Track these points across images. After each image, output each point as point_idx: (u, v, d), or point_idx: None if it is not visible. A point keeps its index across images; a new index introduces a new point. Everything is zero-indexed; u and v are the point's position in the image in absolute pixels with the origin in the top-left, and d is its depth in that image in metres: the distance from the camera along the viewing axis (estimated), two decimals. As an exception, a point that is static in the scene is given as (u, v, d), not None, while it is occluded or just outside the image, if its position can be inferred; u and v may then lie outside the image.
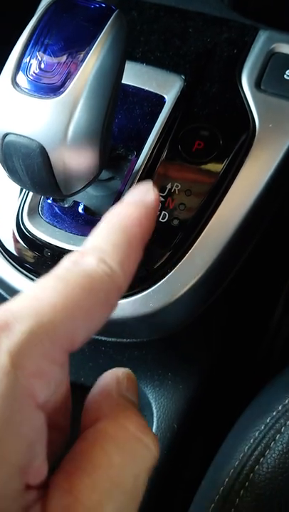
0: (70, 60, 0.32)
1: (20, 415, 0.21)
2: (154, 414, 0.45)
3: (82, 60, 0.32)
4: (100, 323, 0.25)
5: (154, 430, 0.45)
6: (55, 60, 0.32)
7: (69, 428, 0.28)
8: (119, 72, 0.34)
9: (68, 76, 0.32)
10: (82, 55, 0.32)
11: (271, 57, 0.44)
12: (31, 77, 0.32)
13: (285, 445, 0.36)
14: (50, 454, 0.23)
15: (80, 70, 0.32)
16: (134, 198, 0.30)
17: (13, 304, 0.23)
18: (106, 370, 0.47)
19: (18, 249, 0.42)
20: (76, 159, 0.32)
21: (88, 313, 0.24)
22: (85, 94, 0.32)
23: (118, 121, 0.42)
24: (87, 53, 0.32)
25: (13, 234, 0.42)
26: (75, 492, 0.22)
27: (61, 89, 0.32)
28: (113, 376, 0.28)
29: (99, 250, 0.26)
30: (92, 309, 0.24)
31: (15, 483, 0.21)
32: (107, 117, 0.33)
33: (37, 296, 0.23)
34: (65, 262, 0.26)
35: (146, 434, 0.25)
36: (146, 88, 0.43)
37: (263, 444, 0.37)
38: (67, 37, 0.32)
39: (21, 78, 0.32)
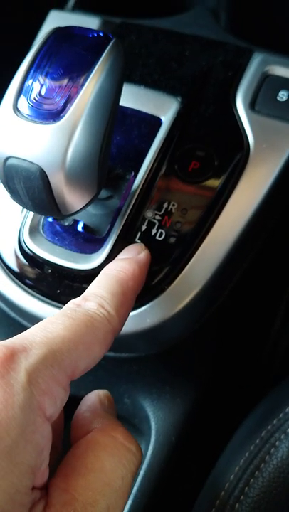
0: (70, 85, 0.33)
1: (34, 425, 0.25)
2: (152, 428, 0.46)
3: (82, 86, 0.33)
4: (97, 359, 0.30)
5: (152, 443, 0.45)
6: (54, 86, 0.33)
7: (61, 446, 0.32)
8: (117, 98, 0.35)
9: (67, 102, 0.33)
10: (81, 81, 0.33)
11: (265, 79, 0.45)
12: (32, 104, 0.33)
13: (279, 459, 0.36)
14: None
15: (79, 96, 0.33)
16: (129, 256, 0.37)
17: (27, 333, 0.28)
18: (106, 383, 0.49)
19: (19, 266, 0.43)
20: (74, 182, 0.34)
21: (89, 347, 0.29)
22: (83, 119, 0.33)
23: (116, 142, 0.43)
24: (86, 80, 0.33)
25: (15, 251, 0.43)
26: (71, 491, 0.27)
27: (60, 115, 0.33)
28: (96, 397, 0.33)
29: (99, 297, 0.32)
30: (92, 345, 0.29)
31: (27, 481, 0.25)
32: (105, 141, 0.35)
33: (47, 328, 0.28)
34: (70, 304, 0.31)
35: (132, 442, 0.30)
36: (144, 110, 0.44)
37: (258, 458, 0.37)
38: (66, 65, 0.34)
39: (22, 104, 0.33)
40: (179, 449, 0.45)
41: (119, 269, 0.35)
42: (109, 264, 0.36)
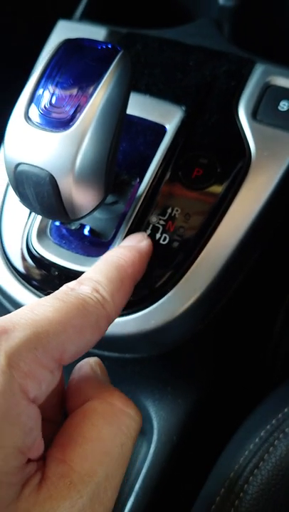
0: (79, 94, 0.34)
1: (18, 407, 0.24)
2: (155, 427, 0.47)
3: (91, 96, 0.34)
4: (90, 344, 0.29)
5: (153, 442, 0.46)
6: (64, 95, 0.35)
7: (60, 418, 0.31)
8: (124, 107, 0.37)
9: (77, 111, 0.34)
10: (90, 91, 0.34)
11: (267, 90, 0.46)
12: (42, 112, 0.34)
13: (277, 457, 0.38)
14: (45, 439, 0.27)
15: (88, 105, 0.34)
16: (130, 244, 0.36)
17: (13, 315, 0.27)
18: (110, 384, 0.49)
19: (26, 268, 0.44)
20: (83, 187, 0.35)
21: (79, 331, 0.28)
22: (92, 128, 0.34)
23: (122, 149, 0.45)
24: (95, 90, 0.34)
25: (23, 253, 0.44)
26: (68, 461, 0.26)
27: (70, 124, 0.34)
28: (87, 365, 0.32)
29: (94, 281, 0.31)
30: (83, 328, 0.28)
31: (14, 461, 0.24)
32: (112, 148, 0.36)
33: (34, 310, 0.27)
34: (64, 287, 0.31)
35: (131, 406, 0.29)
36: (149, 118, 0.45)
37: (257, 457, 0.38)
38: (76, 75, 0.35)
39: (33, 113, 0.35)
40: (181, 448, 0.46)
41: (118, 255, 0.34)
42: (109, 251, 0.35)
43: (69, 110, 0.34)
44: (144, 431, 0.49)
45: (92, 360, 0.33)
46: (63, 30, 0.54)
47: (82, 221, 0.43)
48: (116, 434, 0.28)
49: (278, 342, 0.61)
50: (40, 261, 0.43)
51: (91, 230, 0.43)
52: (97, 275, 0.32)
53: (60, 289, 0.31)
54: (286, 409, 0.40)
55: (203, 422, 0.48)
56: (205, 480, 0.41)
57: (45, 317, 0.27)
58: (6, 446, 0.24)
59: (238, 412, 0.46)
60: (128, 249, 0.35)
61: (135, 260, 0.34)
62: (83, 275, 0.32)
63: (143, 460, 0.47)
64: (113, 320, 0.31)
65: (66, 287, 0.31)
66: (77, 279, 0.32)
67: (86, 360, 0.33)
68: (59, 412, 0.32)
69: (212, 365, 0.49)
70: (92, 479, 0.26)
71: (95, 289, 0.30)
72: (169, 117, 0.45)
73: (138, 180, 0.43)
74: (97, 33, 0.52)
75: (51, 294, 0.29)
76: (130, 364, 0.47)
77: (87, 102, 0.34)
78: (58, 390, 0.31)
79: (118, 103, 0.35)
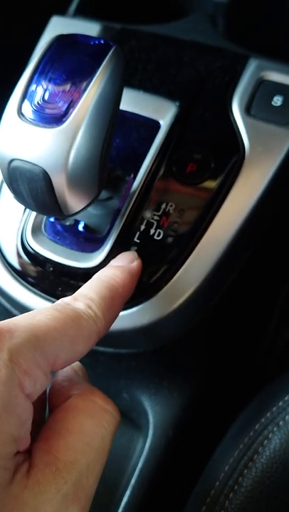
0: (72, 90, 0.34)
1: (16, 399, 0.27)
2: (150, 422, 0.47)
3: (84, 91, 0.34)
4: (79, 355, 0.31)
5: (149, 436, 0.47)
6: (57, 91, 0.35)
7: (43, 423, 0.33)
8: (117, 103, 0.37)
9: (70, 107, 0.34)
10: (83, 86, 0.34)
11: (260, 85, 0.46)
12: (35, 108, 0.34)
13: (272, 450, 0.38)
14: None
15: (81, 101, 0.34)
16: (122, 263, 0.39)
17: (16, 319, 0.30)
18: (105, 379, 0.50)
19: (21, 264, 0.44)
20: (76, 183, 0.35)
21: (73, 341, 0.30)
22: (85, 123, 0.34)
23: (116, 145, 0.45)
24: (88, 85, 0.34)
25: (17, 249, 0.44)
26: (53, 451, 0.28)
27: (63, 119, 0.34)
28: (70, 368, 0.35)
29: (88, 298, 0.33)
30: (76, 339, 0.30)
31: (10, 447, 0.26)
32: (106, 144, 0.36)
33: (36, 316, 0.30)
34: (60, 301, 0.33)
35: (110, 404, 0.31)
36: (143, 114, 0.45)
37: (251, 450, 0.39)
38: (69, 71, 0.35)
39: (26, 109, 0.35)
40: (176, 442, 0.46)
41: (111, 275, 0.36)
42: (102, 270, 0.38)
43: (62, 106, 0.34)
44: (139, 425, 0.49)
45: (75, 364, 0.35)
46: (57, 26, 0.53)
47: (77, 217, 0.43)
48: (97, 428, 0.30)
49: (273, 337, 0.62)
50: (34, 257, 0.43)
51: (85, 226, 0.43)
52: (91, 293, 0.34)
53: (57, 302, 0.33)
54: (280, 403, 0.40)
55: (198, 416, 0.48)
56: (200, 473, 0.42)
57: (44, 324, 0.29)
58: (3, 433, 0.26)
59: (234, 406, 0.46)
60: (120, 270, 0.38)
61: (126, 281, 0.37)
62: (78, 291, 0.34)
63: (139, 454, 0.47)
64: (102, 336, 0.33)
65: (62, 301, 0.33)
66: (72, 295, 0.34)
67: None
68: (42, 415, 0.34)
69: (207, 359, 0.50)
70: (75, 467, 0.28)
71: (89, 306, 0.32)
72: (163, 113, 0.45)
73: (132, 175, 0.43)
74: (90, 28, 0.52)
75: (50, 305, 0.32)
76: (126, 359, 0.48)
77: (80, 97, 0.34)
78: (42, 394, 0.32)
79: (111, 98, 0.35)
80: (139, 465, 0.46)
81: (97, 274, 0.37)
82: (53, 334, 0.29)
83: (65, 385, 0.33)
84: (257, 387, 0.47)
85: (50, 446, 0.29)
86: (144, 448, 0.47)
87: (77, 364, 0.36)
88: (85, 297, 0.33)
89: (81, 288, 0.35)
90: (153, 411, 0.47)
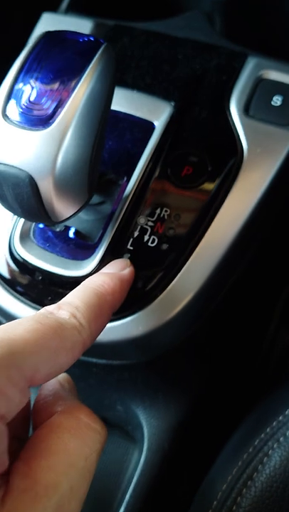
0: (60, 90, 0.33)
1: None
2: (145, 435, 0.45)
3: (72, 91, 0.33)
4: (63, 368, 0.29)
5: (144, 450, 0.45)
6: (44, 91, 0.33)
7: (27, 436, 0.32)
8: (108, 103, 0.35)
9: (57, 107, 0.32)
10: (71, 86, 0.33)
11: (259, 84, 0.44)
12: (21, 109, 0.33)
13: (272, 468, 0.36)
14: (10, 455, 0.27)
15: (69, 101, 0.32)
16: (113, 270, 0.37)
17: None
18: (97, 390, 0.48)
19: (10, 272, 0.42)
20: (64, 189, 0.33)
21: (54, 353, 0.28)
22: (74, 125, 0.32)
23: (108, 147, 0.43)
24: (76, 84, 0.33)
25: (5, 257, 0.42)
26: (33, 474, 0.26)
27: (50, 121, 0.32)
28: (55, 380, 0.33)
29: (73, 307, 0.31)
30: (58, 351, 0.28)
31: None
32: (96, 146, 0.34)
33: (13, 330, 0.28)
34: (43, 310, 0.31)
35: (96, 421, 0.30)
36: (137, 114, 0.43)
37: (250, 467, 0.37)
38: (56, 69, 0.33)
39: (11, 110, 0.33)
40: (172, 456, 0.45)
41: (100, 282, 0.34)
42: (91, 277, 0.36)
43: (49, 107, 0.33)
44: (134, 438, 0.48)
45: (61, 376, 0.33)
46: (48, 23, 0.52)
47: (67, 223, 0.42)
48: (81, 447, 0.28)
49: (272, 343, 0.60)
50: (23, 265, 0.41)
51: (76, 232, 0.42)
52: (77, 301, 0.32)
53: (40, 311, 0.31)
54: (281, 417, 0.39)
55: (195, 429, 0.46)
56: (197, 490, 0.40)
57: (21, 337, 0.27)
58: None
59: (232, 418, 0.45)
60: (110, 276, 0.36)
61: (116, 288, 0.35)
62: (63, 299, 0.33)
63: (134, 469, 0.46)
64: (88, 346, 0.31)
65: (45, 310, 0.31)
66: (57, 303, 0.32)
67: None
68: (26, 429, 0.32)
69: (204, 370, 0.48)
70: (56, 491, 0.26)
71: (73, 315, 0.31)
72: (158, 113, 0.43)
73: (125, 179, 0.42)
74: (83, 25, 0.50)
75: (30, 316, 0.30)
76: (119, 370, 0.46)
77: (68, 97, 0.32)
78: (26, 407, 0.31)
79: (102, 98, 0.34)
80: (134, 480, 0.44)
81: (85, 281, 0.35)
82: (31, 348, 0.27)
83: (49, 400, 0.31)
84: (256, 398, 0.45)
85: (30, 468, 0.27)
86: (139, 462, 0.45)
87: (63, 376, 0.34)
88: (69, 305, 0.31)
89: (67, 295, 0.33)
90: (148, 424, 0.45)
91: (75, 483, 0.27)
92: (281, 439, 0.37)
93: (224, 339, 0.51)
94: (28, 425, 0.33)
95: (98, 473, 0.48)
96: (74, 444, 0.28)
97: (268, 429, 0.38)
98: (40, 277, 0.41)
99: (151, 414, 0.45)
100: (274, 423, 0.38)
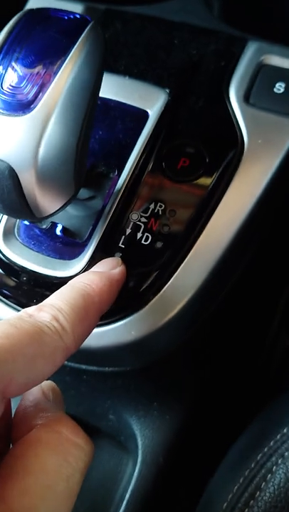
0: (42, 72, 0.30)
1: None
2: (139, 447, 0.43)
3: (55, 73, 0.30)
4: (42, 377, 0.26)
5: (138, 464, 0.42)
6: (25, 73, 0.30)
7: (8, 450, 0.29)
8: (96, 87, 0.32)
9: (39, 91, 0.30)
10: (55, 68, 0.30)
11: (260, 70, 0.42)
12: None
13: (276, 486, 0.33)
14: None
15: (52, 84, 0.29)
16: (102, 269, 0.34)
17: None
18: (88, 399, 0.45)
19: (-7, 273, 0.40)
20: (48, 181, 0.30)
21: (31, 361, 0.25)
22: (57, 111, 0.30)
23: (99, 137, 0.40)
24: (60, 66, 0.30)
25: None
26: (6, 498, 0.24)
27: (31, 106, 0.29)
28: (37, 389, 0.30)
29: (56, 308, 0.28)
30: (35, 359, 0.26)
31: None
32: (82, 135, 0.31)
33: None
34: (21, 313, 0.29)
35: (80, 436, 0.27)
36: (129, 102, 0.41)
37: (253, 485, 0.34)
38: (38, 50, 0.30)
39: (-12, 95, 0.30)
40: (167, 471, 0.42)
41: (87, 282, 0.31)
42: (77, 276, 0.33)
43: (30, 90, 0.30)
44: (128, 449, 0.45)
45: (45, 384, 0.31)
46: (36, 6, 0.48)
47: (54, 219, 0.39)
48: (61, 466, 0.25)
49: (274, 345, 0.58)
50: (6, 265, 0.38)
51: (64, 229, 0.39)
52: (60, 302, 0.29)
53: (18, 313, 0.29)
54: (285, 430, 0.36)
55: (192, 441, 0.44)
56: (194, 508, 0.37)
57: None
58: None
59: (232, 429, 0.42)
60: (99, 276, 0.33)
61: (105, 289, 0.32)
62: (45, 301, 0.30)
63: (127, 483, 0.43)
64: (72, 353, 0.28)
65: (24, 313, 0.29)
66: (38, 305, 0.29)
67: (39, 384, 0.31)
68: (6, 443, 0.29)
69: (202, 376, 0.45)
70: None
71: (55, 318, 0.28)
72: (152, 101, 0.40)
73: (117, 172, 0.39)
74: (73, 9, 0.47)
75: (6, 319, 0.27)
76: (111, 378, 0.43)
77: (51, 80, 0.30)
78: (4, 420, 0.29)
79: (89, 81, 0.31)
80: (127, 496, 0.42)
81: (71, 280, 0.32)
82: (4, 355, 0.24)
83: (29, 412, 0.29)
84: (257, 407, 0.43)
85: (4, 490, 0.24)
86: (133, 476, 0.42)
87: (48, 384, 0.31)
88: (51, 307, 0.29)
89: (50, 296, 0.30)
90: (142, 435, 0.42)
91: (54, 507, 0.25)
92: (286, 454, 0.34)
93: (223, 344, 0.48)
94: (8, 439, 0.30)
95: (89, 486, 0.46)
96: (53, 463, 0.25)
97: (271, 443, 0.35)
98: (24, 278, 0.38)
99: (145, 424, 0.43)
100: (278, 436, 0.36)
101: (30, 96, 0.30)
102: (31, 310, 0.29)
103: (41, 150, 0.29)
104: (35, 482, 0.24)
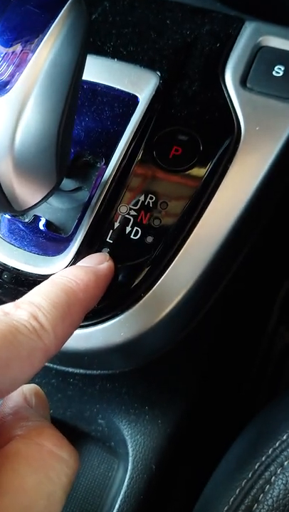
0: (18, 50, 0.27)
1: None
2: (130, 454, 0.41)
3: (33, 52, 0.27)
4: (18, 382, 0.24)
5: (129, 471, 0.40)
6: (0, 52, 0.27)
7: None
8: (79, 66, 0.29)
9: (15, 71, 0.27)
10: (32, 46, 0.27)
11: (258, 52, 0.40)
12: (-28, 73, 0.27)
13: (275, 499, 0.31)
14: None
15: (30, 63, 0.27)
16: (88, 264, 0.32)
17: None
18: (77, 402, 0.43)
19: (-27, 270, 0.37)
20: (26, 170, 0.28)
21: (5, 365, 0.23)
22: (36, 92, 0.27)
23: (85, 124, 0.38)
24: (38, 44, 0.27)
25: None
26: None
27: (6, 88, 0.27)
28: (20, 394, 0.28)
29: (34, 305, 0.26)
30: (9, 362, 0.23)
31: None
32: (64, 119, 0.29)
33: None
34: None
35: (63, 448, 0.25)
36: (118, 86, 0.38)
37: (250, 497, 0.32)
38: (14, 26, 0.28)
39: None
40: (160, 479, 0.40)
41: (70, 276, 0.29)
42: (61, 271, 0.30)
43: (5, 70, 0.27)
44: (118, 454, 0.43)
45: (27, 388, 0.28)
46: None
47: (37, 212, 0.36)
48: (42, 483, 0.24)
49: (271, 341, 0.56)
50: (-15, 261, 0.36)
51: (47, 223, 0.36)
52: (39, 298, 0.27)
53: None
54: (285, 436, 0.33)
55: (185, 446, 0.42)
56: (188, 519, 0.35)
57: None
58: None
59: (227, 433, 0.40)
60: (84, 270, 0.30)
61: (90, 284, 0.29)
62: (23, 297, 0.27)
63: (118, 490, 0.41)
64: (52, 354, 0.26)
65: (0, 310, 0.26)
66: (15, 301, 0.27)
67: (20, 388, 0.28)
68: None
69: (196, 378, 0.43)
70: None
71: (33, 315, 0.26)
72: (142, 85, 0.38)
73: (104, 161, 0.36)
74: (57, -12, 0.44)
75: None
76: (100, 381, 0.41)
77: (28, 59, 0.27)
78: None
79: (71, 61, 0.28)
80: (116, 505, 0.39)
81: (53, 275, 0.30)
82: None
83: (8, 421, 0.26)
84: (254, 409, 0.40)
85: None
86: (123, 484, 0.40)
87: (31, 388, 0.29)
88: (29, 304, 0.26)
89: (30, 292, 0.28)
90: (133, 441, 0.40)
91: None
92: (285, 463, 0.32)
93: (218, 343, 0.46)
94: None
95: (78, 494, 0.43)
96: (33, 480, 0.23)
97: (269, 451, 0.33)
98: (5, 276, 0.36)
99: (136, 429, 0.41)
100: (277, 443, 0.33)
101: (6, 76, 0.27)
102: (8, 308, 0.26)
103: (18, 135, 0.27)
104: (12, 502, 0.23)
